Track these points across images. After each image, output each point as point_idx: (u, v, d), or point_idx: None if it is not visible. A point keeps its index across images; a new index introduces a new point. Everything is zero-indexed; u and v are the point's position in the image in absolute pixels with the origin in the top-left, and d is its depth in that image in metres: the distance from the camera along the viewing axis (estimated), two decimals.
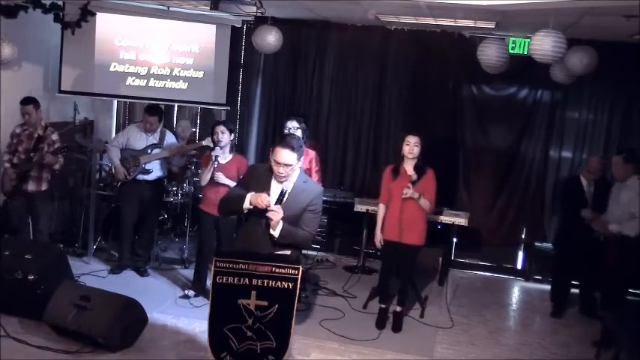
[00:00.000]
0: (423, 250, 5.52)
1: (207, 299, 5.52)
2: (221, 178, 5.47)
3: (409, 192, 5.19)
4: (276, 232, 3.73)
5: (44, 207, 6.02)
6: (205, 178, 5.53)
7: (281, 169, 3.74)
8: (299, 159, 3.79)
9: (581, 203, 5.85)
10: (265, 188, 3.80)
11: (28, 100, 5.82)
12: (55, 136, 5.90)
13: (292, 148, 3.72)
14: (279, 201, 3.73)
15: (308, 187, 3.91)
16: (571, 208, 5.95)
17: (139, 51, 6.95)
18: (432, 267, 6.99)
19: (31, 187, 5.84)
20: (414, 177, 5.22)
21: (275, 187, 3.82)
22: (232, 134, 5.65)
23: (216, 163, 5.46)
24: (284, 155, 3.71)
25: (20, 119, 5.91)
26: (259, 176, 3.89)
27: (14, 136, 5.88)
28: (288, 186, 3.81)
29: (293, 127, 5.56)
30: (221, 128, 5.56)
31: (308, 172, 5.53)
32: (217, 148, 5.51)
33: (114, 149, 6.15)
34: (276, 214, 3.68)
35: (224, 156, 5.58)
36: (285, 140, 3.79)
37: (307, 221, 3.86)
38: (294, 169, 3.80)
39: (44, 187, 5.93)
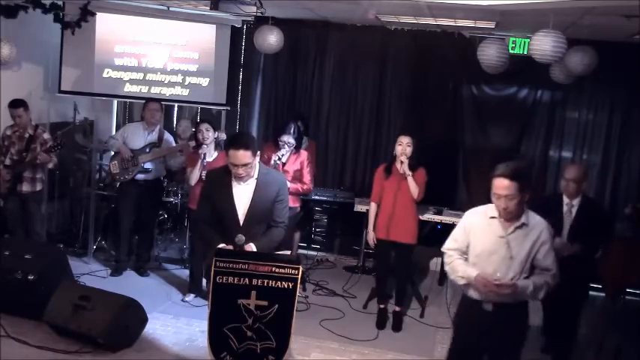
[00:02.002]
0: (422, 250, 5.52)
1: (203, 299, 5.55)
2: None
3: (405, 164, 5.19)
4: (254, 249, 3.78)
5: (38, 208, 6.03)
6: (195, 177, 5.51)
7: (240, 170, 3.72)
8: (255, 154, 3.76)
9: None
10: (227, 192, 3.81)
11: (17, 103, 5.77)
12: (46, 135, 5.92)
13: (246, 147, 3.69)
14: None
15: (271, 178, 3.91)
16: None
17: (139, 52, 6.96)
18: (431, 267, 7.02)
19: (25, 187, 5.84)
20: (409, 172, 5.23)
21: (237, 189, 3.82)
22: (216, 132, 5.66)
23: (205, 162, 5.47)
24: (239, 156, 3.68)
25: (11, 120, 5.89)
26: (218, 182, 3.88)
27: (5, 138, 5.87)
28: (251, 182, 3.81)
29: (288, 142, 5.60)
30: (205, 126, 5.56)
31: (299, 172, 5.55)
32: (204, 146, 5.51)
33: (113, 140, 6.19)
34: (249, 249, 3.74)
35: (209, 154, 5.58)
36: (235, 141, 3.75)
37: (278, 213, 3.88)
38: (254, 165, 3.78)
39: (38, 187, 5.93)
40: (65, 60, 6.83)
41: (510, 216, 3.35)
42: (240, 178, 3.78)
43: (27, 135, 5.83)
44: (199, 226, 4.10)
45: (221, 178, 3.86)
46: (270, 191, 3.84)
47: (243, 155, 3.68)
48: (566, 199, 4.68)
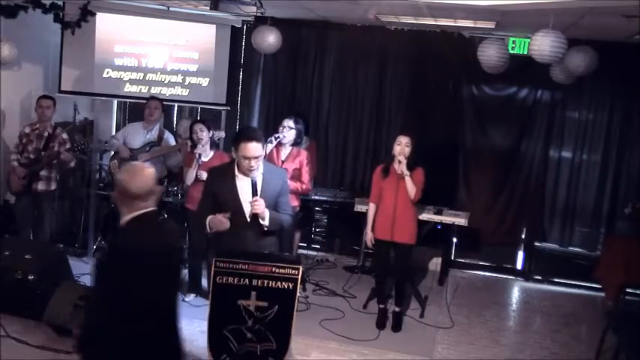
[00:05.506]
0: (422, 250, 5.52)
1: (204, 298, 5.55)
2: (204, 175, 5.45)
3: (403, 164, 5.19)
4: (266, 221, 3.75)
5: (50, 206, 6.06)
6: (190, 177, 5.53)
7: (252, 163, 3.73)
8: (264, 147, 3.87)
9: None
10: (231, 187, 3.80)
11: (50, 97, 5.96)
12: (64, 135, 5.96)
13: (257, 140, 3.73)
14: (254, 193, 3.74)
15: (274, 172, 3.97)
16: None
17: (139, 52, 6.95)
18: (431, 267, 7.02)
19: (41, 186, 5.86)
20: (407, 172, 5.23)
21: (241, 183, 3.81)
22: (211, 131, 5.66)
23: (200, 161, 5.48)
24: (252, 148, 3.70)
25: (25, 120, 5.90)
26: (222, 177, 3.87)
27: (23, 136, 5.90)
28: (258, 176, 3.82)
29: (288, 125, 5.57)
30: (199, 126, 5.59)
31: (298, 171, 5.55)
32: (199, 146, 5.55)
33: (114, 140, 6.24)
34: (259, 205, 3.70)
35: (205, 153, 5.58)
36: (247, 134, 3.78)
37: (283, 205, 3.93)
38: (261, 159, 3.82)
39: (53, 186, 5.98)
40: (65, 60, 6.83)
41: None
42: (250, 172, 3.77)
43: (46, 133, 5.85)
44: (201, 224, 3.99)
45: (225, 174, 3.86)
46: (275, 184, 3.88)
47: (255, 147, 3.70)
48: None
